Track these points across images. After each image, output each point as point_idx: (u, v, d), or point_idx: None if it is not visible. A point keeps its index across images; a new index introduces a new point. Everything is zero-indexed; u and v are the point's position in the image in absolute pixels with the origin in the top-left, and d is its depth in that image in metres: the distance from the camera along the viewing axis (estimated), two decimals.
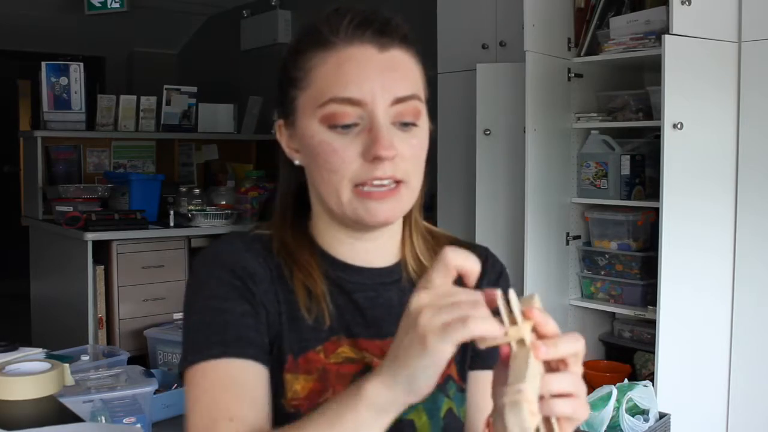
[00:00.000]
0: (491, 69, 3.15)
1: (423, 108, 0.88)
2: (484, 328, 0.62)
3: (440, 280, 0.67)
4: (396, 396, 0.67)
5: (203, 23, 6.60)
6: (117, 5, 5.18)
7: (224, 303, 0.85)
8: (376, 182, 0.84)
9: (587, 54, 2.91)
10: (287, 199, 0.95)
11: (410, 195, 0.88)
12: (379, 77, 0.83)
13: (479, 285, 0.95)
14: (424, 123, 0.88)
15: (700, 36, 2.44)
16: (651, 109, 2.77)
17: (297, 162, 0.91)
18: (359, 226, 0.89)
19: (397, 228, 0.95)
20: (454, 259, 0.67)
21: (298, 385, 0.85)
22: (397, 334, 0.67)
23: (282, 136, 0.92)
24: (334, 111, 0.83)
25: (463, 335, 0.62)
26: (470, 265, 0.68)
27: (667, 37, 2.40)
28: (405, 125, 0.85)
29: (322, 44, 0.85)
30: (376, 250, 0.93)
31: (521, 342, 0.67)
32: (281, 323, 0.87)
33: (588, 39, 2.92)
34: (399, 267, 0.95)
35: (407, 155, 0.85)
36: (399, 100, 0.84)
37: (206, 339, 0.83)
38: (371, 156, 0.82)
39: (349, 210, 0.86)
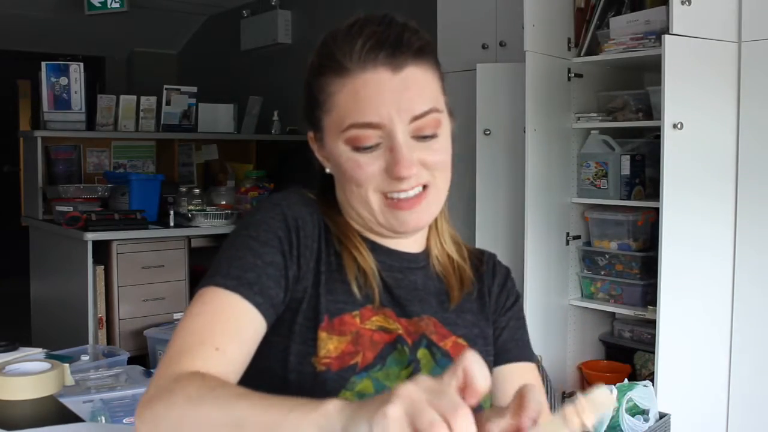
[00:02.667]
0: (491, 69, 3.15)
1: (443, 117, 0.92)
2: None
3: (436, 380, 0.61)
4: None
5: (203, 23, 6.61)
6: (117, 5, 5.19)
7: (261, 247, 0.89)
8: (402, 195, 0.90)
9: (587, 54, 2.91)
10: (322, 198, 1.00)
11: (437, 196, 0.94)
12: (394, 100, 0.87)
13: (492, 284, 1.05)
14: (445, 129, 0.93)
15: (700, 36, 2.44)
16: (651, 109, 2.77)
17: (328, 170, 0.97)
18: (390, 232, 0.95)
19: None
20: (470, 366, 0.61)
21: (331, 345, 0.89)
22: (373, 401, 0.62)
23: (314, 146, 0.98)
24: (356, 135, 0.88)
25: None
26: (480, 376, 0.61)
27: (667, 37, 2.40)
28: (425, 137, 0.90)
29: (337, 71, 0.89)
30: (404, 240, 0.99)
31: None
32: (318, 282, 0.92)
33: (588, 39, 2.92)
34: (425, 255, 1.01)
35: (430, 162, 0.90)
36: (416, 118, 0.88)
37: (228, 269, 0.87)
38: (393, 175, 0.88)
39: (382, 219, 0.93)
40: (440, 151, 0.91)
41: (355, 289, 0.92)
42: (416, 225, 0.93)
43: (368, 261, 0.95)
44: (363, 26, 0.90)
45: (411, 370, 0.91)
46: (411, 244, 1.00)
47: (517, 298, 1.08)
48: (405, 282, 0.98)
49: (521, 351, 1.04)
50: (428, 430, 0.56)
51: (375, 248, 0.97)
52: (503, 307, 1.05)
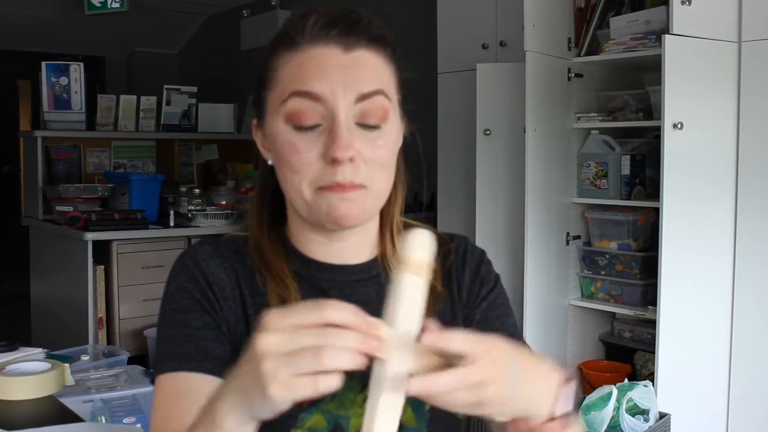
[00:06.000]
0: (491, 69, 3.16)
1: (391, 107, 0.86)
2: (335, 383, 0.61)
3: (295, 320, 0.62)
4: (244, 419, 0.67)
5: (203, 23, 6.60)
6: (117, 5, 5.18)
7: (185, 316, 0.87)
8: (337, 189, 0.83)
9: (587, 54, 2.91)
10: (264, 199, 0.96)
11: (373, 199, 0.87)
12: (341, 74, 0.82)
13: (462, 276, 0.99)
14: (392, 125, 0.87)
15: (700, 36, 2.44)
16: (651, 109, 2.77)
17: (269, 162, 0.91)
18: (325, 227, 0.88)
19: (371, 227, 0.94)
20: (331, 313, 0.62)
21: None
22: (242, 366, 0.66)
23: (257, 136, 0.94)
24: (296, 108, 0.82)
25: (309, 392, 0.61)
26: (358, 322, 0.63)
27: (667, 37, 2.40)
28: (369, 127, 0.84)
29: (287, 44, 0.85)
30: (350, 248, 0.93)
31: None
32: (249, 326, 0.88)
33: (588, 39, 2.92)
34: (376, 263, 0.95)
35: (369, 157, 0.83)
36: (363, 97, 0.82)
37: (166, 352, 0.86)
38: (329, 157, 0.81)
39: (314, 208, 0.85)
40: (383, 148, 0.85)
41: None
42: (347, 213, 0.84)
43: (291, 289, 0.89)
44: (322, 9, 0.86)
45: (366, 393, 0.88)
46: (357, 254, 0.93)
47: (495, 283, 1.00)
48: (355, 298, 0.88)
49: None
50: (312, 366, 0.60)
51: (319, 267, 0.92)
52: (477, 297, 0.97)
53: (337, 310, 0.62)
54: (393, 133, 0.87)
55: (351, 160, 0.82)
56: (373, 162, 0.84)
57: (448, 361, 0.65)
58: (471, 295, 0.98)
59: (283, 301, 0.89)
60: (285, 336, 0.62)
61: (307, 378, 0.60)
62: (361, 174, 0.83)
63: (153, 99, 4.49)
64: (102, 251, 3.65)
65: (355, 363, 0.61)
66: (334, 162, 0.81)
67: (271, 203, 0.96)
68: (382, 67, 0.86)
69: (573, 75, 2.92)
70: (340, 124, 0.81)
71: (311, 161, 0.83)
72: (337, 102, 0.81)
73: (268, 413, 0.65)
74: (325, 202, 0.84)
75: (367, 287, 0.93)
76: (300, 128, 0.83)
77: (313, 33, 0.84)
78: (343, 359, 0.60)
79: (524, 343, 0.96)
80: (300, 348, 0.60)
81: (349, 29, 0.84)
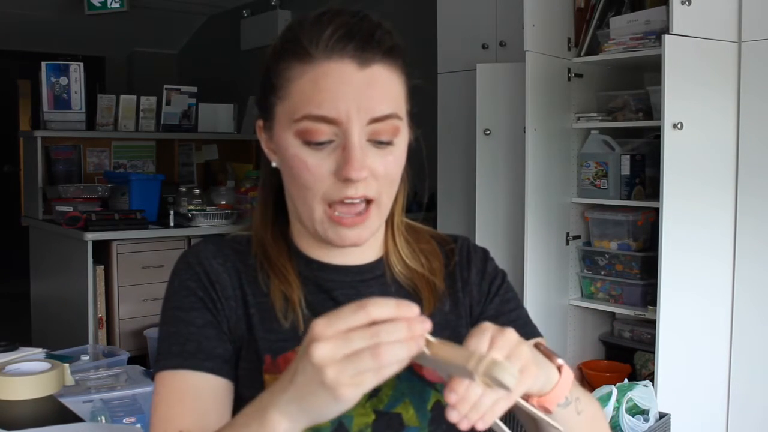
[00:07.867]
0: (491, 69, 3.16)
1: (402, 125, 0.87)
2: (397, 367, 0.65)
3: (343, 325, 0.65)
4: (299, 426, 0.70)
5: (203, 23, 6.61)
6: (117, 5, 5.19)
7: (188, 314, 0.88)
8: (347, 201, 0.84)
9: (587, 54, 2.91)
10: (268, 198, 0.96)
11: (379, 214, 0.88)
12: (355, 96, 0.82)
13: (468, 275, 1.00)
14: (401, 139, 0.88)
15: (700, 36, 2.44)
16: (651, 109, 2.77)
17: (274, 164, 0.91)
18: (325, 244, 0.91)
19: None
20: (375, 311, 0.65)
21: None
22: (296, 377, 0.68)
23: (261, 137, 0.92)
24: (309, 128, 0.83)
25: (376, 382, 0.65)
26: (401, 313, 0.66)
27: (667, 37, 2.40)
28: (381, 143, 0.84)
29: (300, 56, 0.84)
30: (354, 250, 0.93)
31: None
32: (251, 326, 0.89)
33: (588, 39, 2.92)
34: (381, 263, 0.96)
35: (380, 173, 0.85)
36: (376, 120, 0.83)
37: (168, 349, 0.87)
38: (342, 176, 0.82)
39: (320, 230, 0.87)
40: (392, 164, 0.86)
41: (283, 321, 0.88)
42: (355, 241, 0.87)
43: (294, 287, 0.90)
44: (335, 16, 0.84)
45: (370, 393, 0.89)
46: (361, 255, 0.94)
47: (503, 279, 1.02)
48: (358, 297, 0.89)
49: (522, 330, 0.90)
50: (372, 369, 0.64)
51: (323, 268, 0.93)
52: (488, 293, 1.00)
53: (380, 307, 0.66)
54: (402, 146, 0.88)
55: (363, 180, 0.83)
56: (384, 178, 0.86)
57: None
58: (481, 293, 1.00)
59: (287, 300, 0.89)
60: (338, 342, 0.65)
61: (371, 371, 0.64)
62: (371, 189, 0.85)
63: (153, 99, 4.49)
64: (102, 251, 3.65)
65: (410, 353, 0.65)
66: (346, 181, 0.83)
67: (275, 203, 0.96)
68: (395, 81, 0.86)
69: (573, 75, 2.92)
70: (354, 145, 0.82)
71: (323, 177, 0.84)
72: (351, 124, 0.82)
73: (335, 414, 0.68)
74: (333, 232, 0.86)
75: (371, 287, 0.94)
76: (310, 143, 0.83)
77: (329, 46, 0.82)
78: (399, 352, 0.64)
79: (539, 333, 0.99)
80: (355, 351, 0.64)
81: (365, 43, 0.83)
